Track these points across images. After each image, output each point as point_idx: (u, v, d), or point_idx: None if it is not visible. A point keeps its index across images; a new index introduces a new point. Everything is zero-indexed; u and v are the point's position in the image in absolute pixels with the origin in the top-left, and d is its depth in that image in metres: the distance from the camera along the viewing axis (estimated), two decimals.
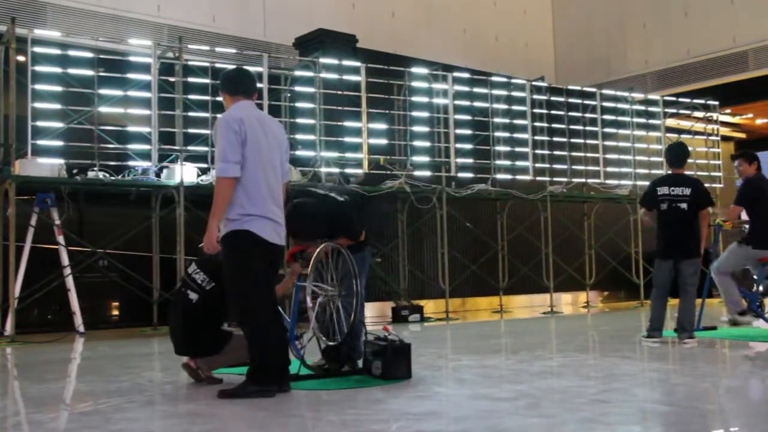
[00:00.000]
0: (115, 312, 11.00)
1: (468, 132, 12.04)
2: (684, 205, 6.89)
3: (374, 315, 11.56)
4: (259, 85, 10.19)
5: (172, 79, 9.74)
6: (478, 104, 12.21)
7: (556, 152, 12.84)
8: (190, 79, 9.86)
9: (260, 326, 4.49)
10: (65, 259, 9.11)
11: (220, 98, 10.28)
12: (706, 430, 3.69)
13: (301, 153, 10.66)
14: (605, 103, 13.47)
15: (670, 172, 7.31)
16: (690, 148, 14.65)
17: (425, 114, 11.74)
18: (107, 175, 9.26)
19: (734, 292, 7.33)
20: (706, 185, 7.37)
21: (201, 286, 4.92)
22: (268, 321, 4.51)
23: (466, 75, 12.23)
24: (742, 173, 7.61)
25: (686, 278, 6.91)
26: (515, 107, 12.51)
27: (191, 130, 9.87)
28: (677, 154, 7.29)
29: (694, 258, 6.90)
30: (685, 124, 15.06)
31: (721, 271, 7.37)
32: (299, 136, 10.70)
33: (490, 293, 13.03)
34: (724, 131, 16.33)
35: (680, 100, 14.34)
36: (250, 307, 4.51)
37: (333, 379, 5.04)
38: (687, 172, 7.36)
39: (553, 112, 12.92)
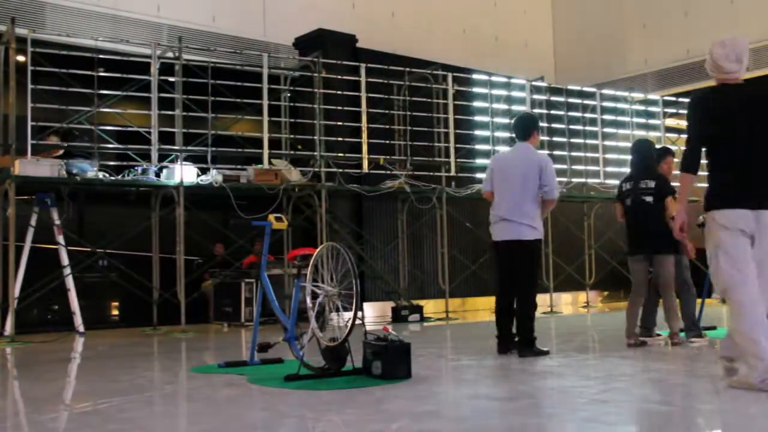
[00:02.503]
0: (115, 312, 11.01)
1: (468, 132, 12.04)
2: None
3: (374, 315, 11.57)
4: (258, 85, 10.23)
5: (171, 79, 9.74)
6: (478, 104, 12.20)
7: (556, 152, 12.84)
8: (190, 79, 9.86)
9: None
10: (65, 259, 9.12)
11: (219, 98, 10.27)
12: (706, 430, 3.69)
13: (301, 153, 10.67)
14: (605, 103, 13.48)
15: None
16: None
17: (425, 114, 11.74)
18: (107, 175, 9.26)
19: None
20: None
21: None
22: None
23: (466, 75, 12.23)
24: None
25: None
26: (515, 107, 12.51)
27: (191, 130, 9.87)
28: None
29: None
30: (684, 124, 15.04)
31: None
32: (299, 136, 10.70)
33: (490, 293, 13.01)
34: None
35: (680, 100, 14.33)
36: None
37: (333, 379, 5.04)
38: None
39: (552, 112, 12.92)
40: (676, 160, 7.26)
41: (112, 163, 9.47)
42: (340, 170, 10.67)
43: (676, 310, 6.89)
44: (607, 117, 13.45)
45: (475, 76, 12.32)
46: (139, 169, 9.42)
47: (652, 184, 6.83)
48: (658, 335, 7.34)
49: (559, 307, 13.08)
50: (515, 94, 12.58)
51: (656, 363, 6.01)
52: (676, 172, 5.49)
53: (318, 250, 5.16)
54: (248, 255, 10.73)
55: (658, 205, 6.79)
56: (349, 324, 4.88)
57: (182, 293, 9.41)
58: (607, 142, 13.40)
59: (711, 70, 4.60)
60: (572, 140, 13.04)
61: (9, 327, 8.48)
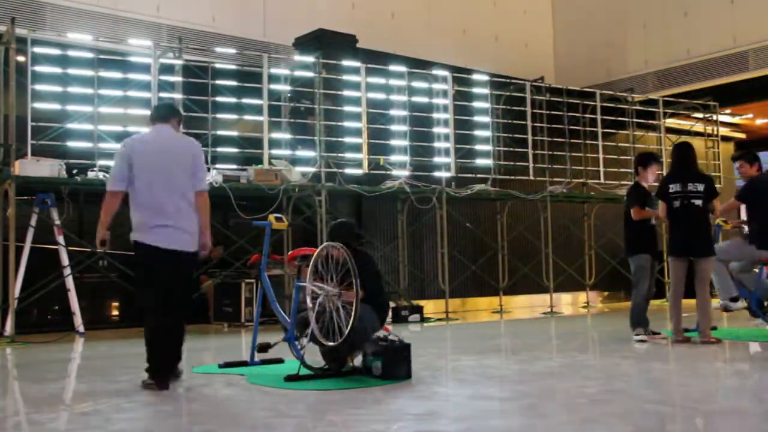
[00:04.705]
0: (115, 312, 11.00)
1: (468, 132, 12.04)
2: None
3: None
4: (258, 85, 10.22)
5: (171, 79, 9.74)
6: (477, 104, 12.20)
7: (556, 152, 12.84)
8: (190, 79, 9.86)
9: (146, 324, 4.97)
10: (65, 259, 9.11)
11: (219, 98, 10.29)
12: (706, 430, 3.69)
13: (301, 153, 10.66)
14: (605, 104, 13.47)
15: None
16: None
17: (425, 114, 11.75)
18: (107, 175, 9.25)
19: (727, 280, 7.34)
20: None
21: None
22: (153, 321, 4.96)
23: (466, 75, 12.23)
24: (743, 174, 7.60)
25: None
26: (515, 107, 12.51)
27: (191, 130, 9.86)
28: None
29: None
30: (684, 124, 15.07)
31: (719, 257, 7.26)
32: (299, 136, 10.70)
33: (490, 293, 13.02)
34: (724, 131, 16.33)
35: (680, 100, 14.34)
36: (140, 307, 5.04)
37: (333, 379, 5.04)
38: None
39: (553, 112, 12.92)
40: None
41: (112, 163, 9.45)
42: (340, 170, 10.67)
43: (710, 309, 6.88)
44: (607, 117, 13.44)
45: (475, 76, 12.32)
46: None
47: (701, 187, 6.81)
48: (658, 333, 7.34)
49: (560, 307, 13.08)
50: (515, 94, 12.57)
51: (656, 363, 6.01)
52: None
53: (318, 250, 5.16)
54: (250, 254, 10.70)
55: (706, 208, 6.82)
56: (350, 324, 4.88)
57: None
58: (607, 143, 13.39)
59: None
60: (572, 141, 13.03)
61: (9, 327, 8.48)
